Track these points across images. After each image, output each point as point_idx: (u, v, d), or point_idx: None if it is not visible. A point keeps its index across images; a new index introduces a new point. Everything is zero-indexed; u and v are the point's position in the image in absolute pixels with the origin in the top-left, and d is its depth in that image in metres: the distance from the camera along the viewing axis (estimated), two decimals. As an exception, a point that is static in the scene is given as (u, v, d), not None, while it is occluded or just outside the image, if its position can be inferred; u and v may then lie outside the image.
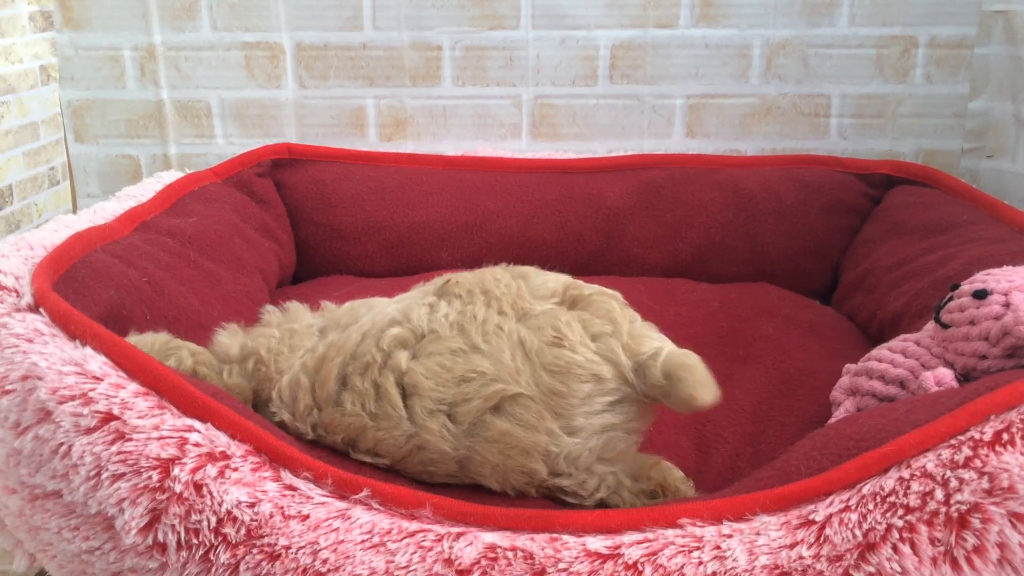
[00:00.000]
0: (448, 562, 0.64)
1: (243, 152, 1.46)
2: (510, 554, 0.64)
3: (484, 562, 0.64)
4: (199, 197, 1.30)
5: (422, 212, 1.46)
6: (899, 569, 0.61)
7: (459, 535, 0.65)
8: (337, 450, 0.82)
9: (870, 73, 1.59)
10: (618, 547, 0.64)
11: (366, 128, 1.66)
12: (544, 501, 0.79)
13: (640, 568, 0.63)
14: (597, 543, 0.64)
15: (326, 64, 1.62)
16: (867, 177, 1.48)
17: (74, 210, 1.71)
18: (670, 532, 0.65)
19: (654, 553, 0.63)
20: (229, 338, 0.91)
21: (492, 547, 0.64)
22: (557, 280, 0.83)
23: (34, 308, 0.81)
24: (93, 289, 0.92)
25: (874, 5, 1.56)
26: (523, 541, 0.64)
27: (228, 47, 1.61)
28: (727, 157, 1.53)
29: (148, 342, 0.86)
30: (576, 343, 0.77)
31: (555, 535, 0.65)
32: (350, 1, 1.58)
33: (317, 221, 1.46)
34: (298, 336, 0.88)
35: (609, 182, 1.49)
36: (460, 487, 0.81)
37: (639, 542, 0.64)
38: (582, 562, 0.63)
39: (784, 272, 1.44)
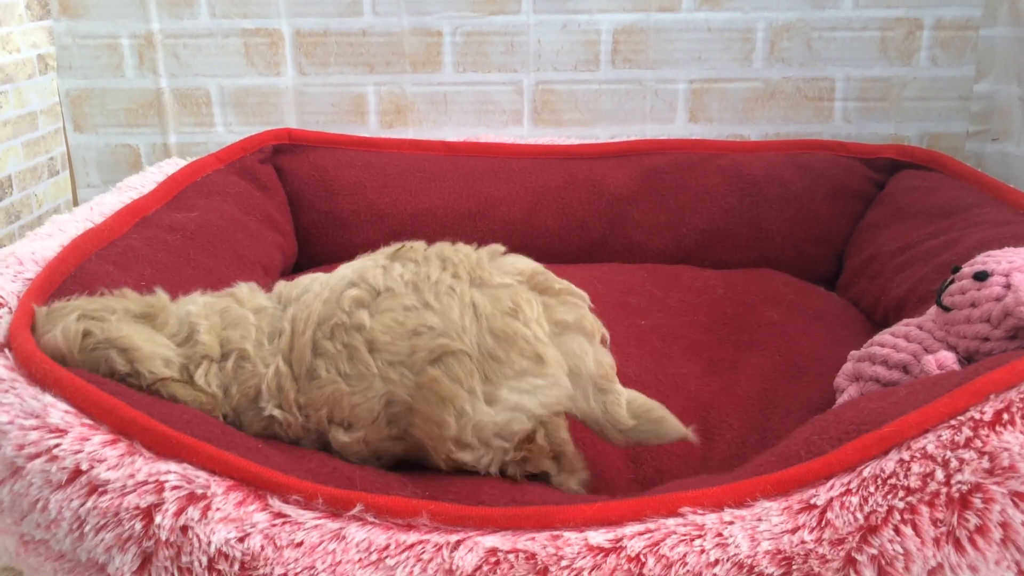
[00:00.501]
0: (449, 572, 0.63)
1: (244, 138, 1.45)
2: (511, 557, 0.63)
3: (486, 567, 0.63)
4: (201, 189, 1.29)
5: (425, 199, 1.45)
6: (902, 551, 0.61)
7: (458, 543, 0.64)
8: (323, 466, 0.79)
9: (874, 56, 1.58)
10: (620, 540, 0.64)
11: (366, 115, 1.65)
12: (544, 493, 0.79)
13: (643, 559, 0.63)
14: (599, 537, 0.64)
15: (326, 51, 1.61)
16: (872, 162, 1.47)
17: (74, 200, 1.70)
18: (671, 521, 0.65)
19: (656, 544, 0.63)
20: (208, 333, 0.83)
21: (493, 551, 0.63)
22: (527, 263, 0.86)
23: (3, 347, 0.78)
24: None
25: (878, -14, 1.55)
26: (524, 542, 0.64)
27: (227, 34, 1.60)
28: (731, 142, 1.52)
29: (62, 344, 0.78)
30: (531, 319, 0.80)
31: (556, 532, 0.64)
32: (349, -13, 1.57)
33: (319, 208, 1.46)
34: (267, 316, 0.85)
35: (612, 168, 1.48)
36: (453, 489, 0.80)
37: (640, 533, 0.64)
38: (584, 558, 0.63)
39: (788, 258, 1.44)
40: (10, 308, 0.85)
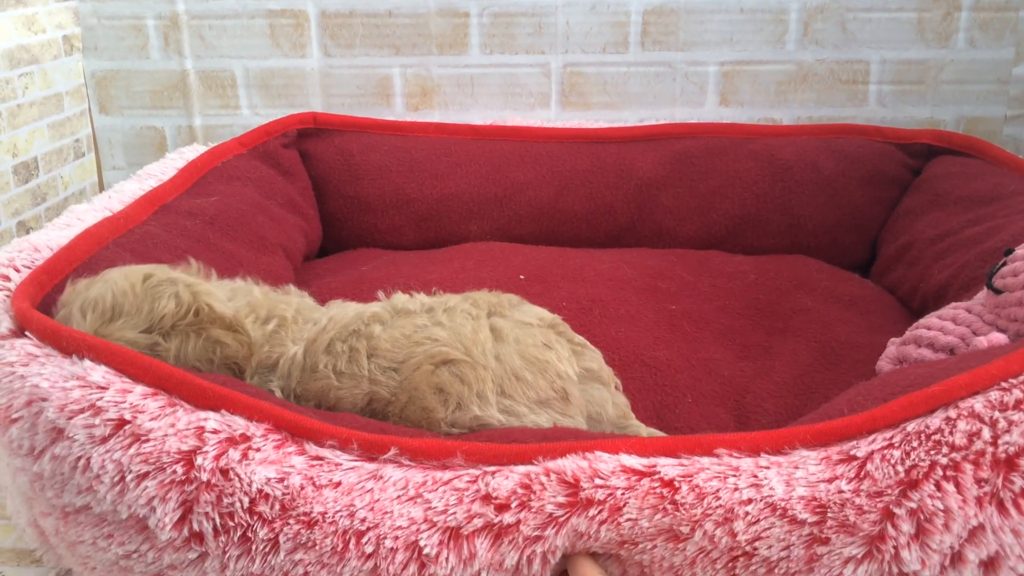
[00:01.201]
0: (486, 498, 0.63)
1: (268, 121, 1.44)
2: (544, 478, 0.63)
3: (520, 491, 0.63)
4: (222, 174, 1.28)
5: (451, 183, 1.44)
6: (942, 507, 0.60)
7: (494, 473, 0.64)
8: (355, 421, 0.79)
9: (911, 38, 1.54)
10: (654, 465, 0.63)
11: (392, 98, 1.63)
12: (577, 433, 0.77)
13: (677, 486, 0.62)
14: (632, 460, 0.64)
15: (351, 32, 1.59)
16: (907, 147, 1.43)
17: (99, 183, 1.70)
18: (706, 460, 0.64)
19: (690, 475, 0.63)
20: (262, 295, 0.89)
21: (527, 475, 0.64)
22: (545, 312, 0.87)
23: (19, 332, 0.78)
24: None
25: (916, -34, 1.51)
26: (557, 463, 0.64)
27: (252, 15, 1.59)
28: (762, 126, 1.49)
29: (122, 288, 0.80)
30: (563, 357, 0.81)
31: (589, 453, 0.64)
32: (375, -33, 1.55)
33: (344, 193, 1.44)
34: (307, 305, 0.92)
35: (641, 152, 1.46)
36: (486, 434, 0.78)
37: (674, 465, 0.64)
38: (618, 477, 0.62)
39: (821, 245, 1.41)
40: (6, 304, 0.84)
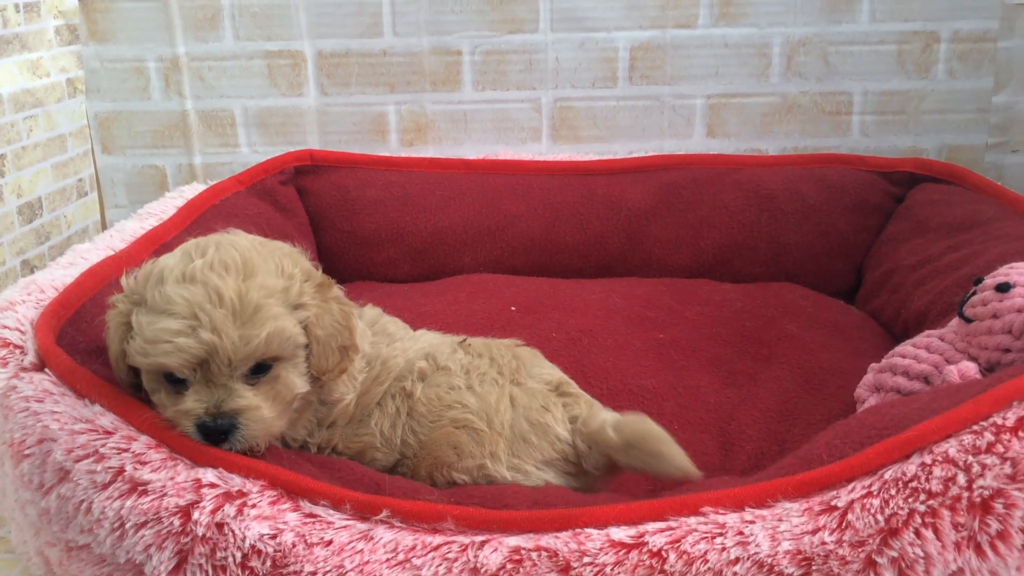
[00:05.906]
0: (474, 571, 0.65)
1: (267, 159, 1.47)
2: (534, 555, 0.65)
3: (509, 566, 0.64)
4: (220, 212, 1.31)
5: (444, 217, 1.47)
6: (922, 554, 0.62)
7: (483, 543, 0.66)
8: (352, 472, 0.82)
9: (892, 69, 1.58)
10: (642, 535, 0.65)
11: (387, 134, 1.67)
12: (566, 495, 0.80)
13: (664, 555, 0.64)
14: (621, 533, 0.65)
15: (347, 71, 1.63)
16: (890, 175, 1.47)
17: (102, 221, 1.73)
18: (692, 520, 0.66)
19: (677, 540, 0.64)
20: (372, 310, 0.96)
21: (516, 550, 0.65)
22: (553, 373, 0.93)
23: (39, 367, 0.81)
24: (98, 328, 0.90)
25: (895, 0, 1.55)
26: (547, 540, 0.65)
27: (251, 56, 1.63)
28: (748, 157, 1.53)
29: (245, 246, 0.81)
30: (558, 419, 0.87)
31: (578, 530, 0.66)
32: (370, 8, 1.59)
33: (340, 228, 1.48)
34: (364, 338, 0.91)
35: (630, 184, 1.49)
36: (478, 494, 0.81)
37: (662, 530, 0.65)
38: (607, 553, 0.64)
39: (807, 272, 1.44)
40: (30, 335, 0.87)
